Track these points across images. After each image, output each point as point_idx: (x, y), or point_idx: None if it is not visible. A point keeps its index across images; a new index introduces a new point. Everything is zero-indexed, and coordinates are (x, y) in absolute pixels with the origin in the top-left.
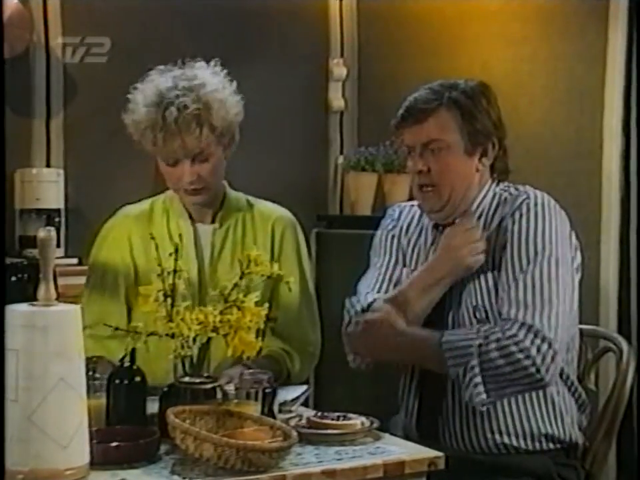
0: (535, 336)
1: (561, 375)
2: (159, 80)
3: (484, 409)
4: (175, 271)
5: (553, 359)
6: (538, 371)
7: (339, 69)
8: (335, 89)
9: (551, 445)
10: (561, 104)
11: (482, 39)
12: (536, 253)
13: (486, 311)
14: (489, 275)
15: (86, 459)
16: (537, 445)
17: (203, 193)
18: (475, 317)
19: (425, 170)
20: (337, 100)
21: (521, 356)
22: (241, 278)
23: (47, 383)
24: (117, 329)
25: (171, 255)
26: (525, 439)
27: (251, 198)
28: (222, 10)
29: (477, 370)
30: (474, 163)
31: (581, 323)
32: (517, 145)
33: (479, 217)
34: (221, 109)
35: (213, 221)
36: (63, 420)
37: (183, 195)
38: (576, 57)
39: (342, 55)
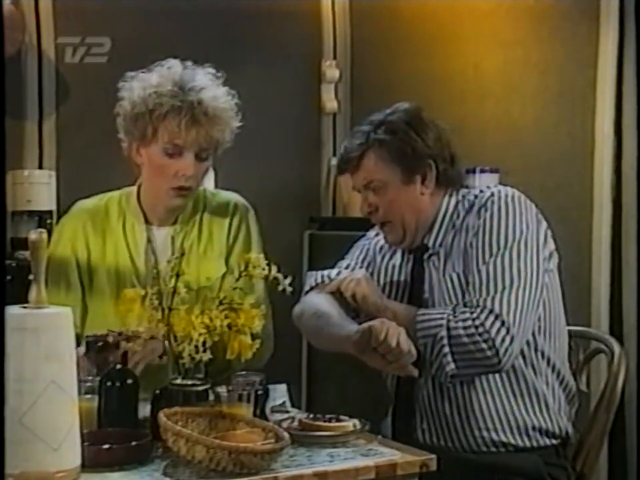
0: (495, 319)
1: (548, 364)
2: (175, 68)
3: (452, 382)
4: (177, 275)
5: (510, 342)
6: (496, 354)
7: (331, 70)
8: (328, 90)
9: (540, 439)
10: (553, 106)
11: (474, 40)
12: (499, 246)
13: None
14: (461, 275)
15: (77, 461)
16: (526, 439)
17: (189, 195)
18: None
19: (373, 210)
20: (329, 102)
21: (480, 338)
22: (237, 280)
23: (37, 385)
24: (120, 333)
25: (176, 258)
26: (512, 433)
27: (210, 190)
28: (215, 10)
29: (445, 341)
30: (416, 189)
31: (572, 324)
32: (508, 147)
33: (449, 227)
34: (235, 114)
35: (175, 222)
36: (54, 422)
37: (167, 196)
38: (567, 58)
39: (335, 57)
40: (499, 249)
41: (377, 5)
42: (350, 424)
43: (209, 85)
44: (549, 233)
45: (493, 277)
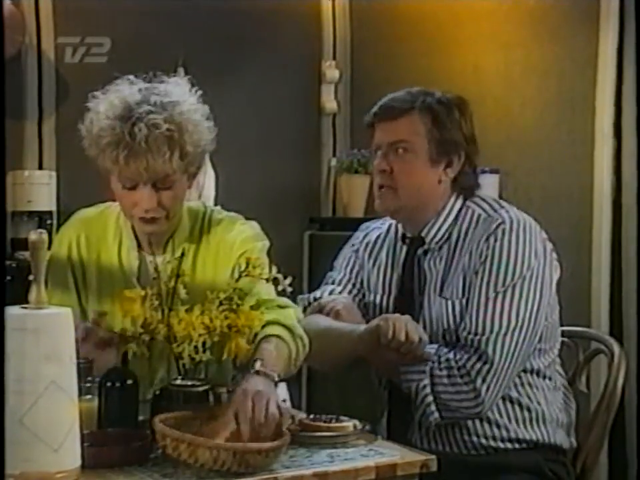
0: (484, 364)
1: (544, 379)
2: (127, 91)
3: (435, 427)
4: (177, 275)
5: (495, 385)
6: (477, 396)
7: (331, 71)
8: (328, 91)
9: (539, 445)
10: (553, 106)
11: (474, 41)
12: (504, 282)
13: (456, 335)
14: (462, 300)
15: (77, 462)
16: (524, 445)
17: (160, 222)
18: (445, 339)
19: (388, 170)
20: (329, 102)
21: (461, 380)
22: (237, 280)
23: (38, 386)
24: (120, 334)
25: (176, 259)
26: (510, 442)
27: (213, 212)
28: (215, 11)
29: (428, 390)
30: (437, 172)
31: (572, 324)
32: (509, 146)
33: (448, 233)
34: (194, 133)
35: (164, 251)
36: (54, 423)
37: (136, 222)
38: (567, 59)
39: (334, 58)
40: (503, 285)
41: (377, 6)
42: (350, 424)
43: (156, 109)
44: (555, 256)
45: (491, 316)
